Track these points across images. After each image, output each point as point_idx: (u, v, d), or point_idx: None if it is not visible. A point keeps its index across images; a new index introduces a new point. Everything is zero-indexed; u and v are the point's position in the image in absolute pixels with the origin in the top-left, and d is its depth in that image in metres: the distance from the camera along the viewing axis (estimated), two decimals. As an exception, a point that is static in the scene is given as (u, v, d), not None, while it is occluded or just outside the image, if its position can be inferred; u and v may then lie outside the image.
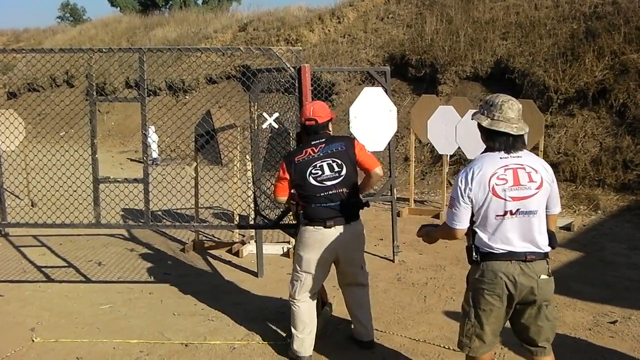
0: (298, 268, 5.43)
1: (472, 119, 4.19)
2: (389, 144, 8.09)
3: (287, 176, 5.33)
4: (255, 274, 7.91)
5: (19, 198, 11.79)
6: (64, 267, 8.54)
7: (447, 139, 10.28)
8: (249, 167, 8.19)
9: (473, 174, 3.99)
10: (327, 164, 5.25)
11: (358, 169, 5.43)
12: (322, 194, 5.23)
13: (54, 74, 24.44)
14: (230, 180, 8.93)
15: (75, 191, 7.02)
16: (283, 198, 5.52)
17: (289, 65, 6.15)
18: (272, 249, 8.61)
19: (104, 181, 6.42)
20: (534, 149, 10.77)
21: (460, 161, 13.01)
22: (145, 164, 6.40)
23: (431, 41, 17.05)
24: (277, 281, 7.66)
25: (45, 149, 7.25)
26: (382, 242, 9.11)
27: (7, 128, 7.74)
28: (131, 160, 17.32)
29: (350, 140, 5.51)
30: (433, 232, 4.55)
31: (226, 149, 8.60)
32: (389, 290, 7.23)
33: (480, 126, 4.12)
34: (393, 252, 8.29)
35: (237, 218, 9.06)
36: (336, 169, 5.26)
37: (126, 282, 7.85)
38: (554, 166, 11.64)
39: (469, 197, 3.99)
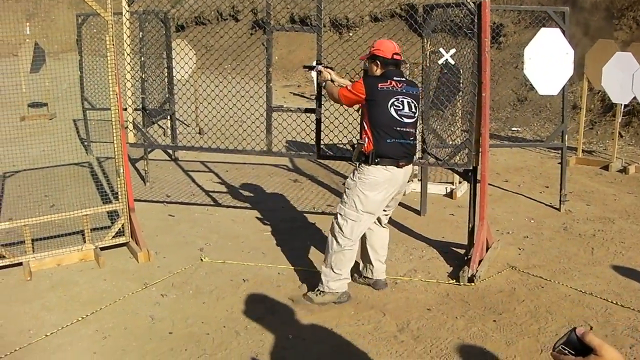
0: (359, 207, 5.35)
1: None
2: (562, 88, 7.77)
3: (363, 95, 5.33)
4: (417, 212, 7.88)
5: (185, 124, 12.20)
6: (231, 192, 8.83)
7: (623, 87, 9.76)
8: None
9: None
10: (407, 102, 5.35)
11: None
12: (397, 129, 5.30)
13: (219, 7, 24.94)
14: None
15: (240, 118, 7.17)
16: (341, 102, 5.59)
17: (468, 0, 5.96)
18: (435, 189, 8.52)
19: (277, 109, 6.49)
20: None
21: (633, 112, 12.33)
22: (318, 94, 6.37)
23: (608, -16, 16.13)
24: (440, 221, 7.61)
25: (209, 79, 7.43)
26: (547, 190, 8.83)
27: (182, 59, 7.96)
28: (294, 94, 17.56)
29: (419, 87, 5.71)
30: None
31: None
32: (554, 239, 7.02)
33: None
34: (560, 200, 8.00)
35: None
36: (413, 110, 5.38)
37: (290, 210, 8.03)
38: None
39: None
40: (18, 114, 12.42)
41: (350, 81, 5.78)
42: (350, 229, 5.41)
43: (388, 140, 5.28)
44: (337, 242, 5.45)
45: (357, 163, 5.45)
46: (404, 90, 5.35)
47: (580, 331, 1.80)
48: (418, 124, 5.63)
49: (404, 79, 5.45)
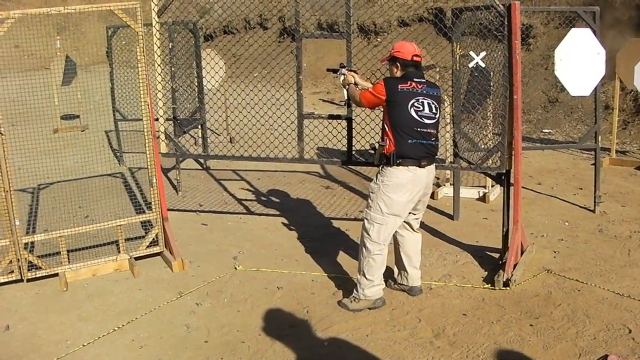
0: (384, 210, 5.38)
1: None
2: (595, 88, 7.70)
3: (383, 97, 5.38)
4: (450, 217, 7.84)
5: (216, 133, 12.22)
6: (263, 200, 8.86)
7: (656, 86, 9.64)
8: (447, 109, 8.06)
9: None
10: (428, 103, 5.37)
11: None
12: (418, 129, 5.32)
13: (247, 16, 25.01)
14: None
15: (272, 126, 7.20)
16: (363, 105, 5.68)
17: (498, 2, 5.92)
18: (468, 193, 8.48)
19: (308, 117, 6.51)
20: None
21: (667, 111, 12.18)
22: (347, 102, 6.39)
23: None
24: (473, 225, 7.57)
25: (240, 88, 7.46)
26: (581, 192, 8.74)
27: (212, 68, 8.01)
28: (323, 101, 17.55)
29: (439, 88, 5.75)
30: None
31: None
32: (590, 242, 6.94)
33: None
34: (594, 202, 7.91)
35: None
36: (433, 110, 5.40)
37: (322, 217, 8.03)
38: None
39: None
40: (51, 126, 12.58)
41: (372, 84, 5.79)
42: (377, 233, 5.42)
43: (409, 141, 5.31)
44: (366, 247, 5.47)
45: (380, 165, 5.47)
46: (424, 92, 5.38)
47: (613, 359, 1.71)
48: (439, 125, 5.63)
49: (424, 80, 5.50)
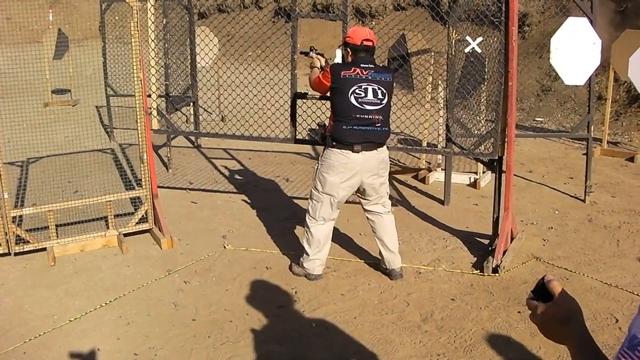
0: (320, 189, 5.56)
1: None
2: (589, 78, 7.68)
3: (328, 84, 5.47)
4: (441, 202, 7.82)
5: (208, 112, 12.15)
6: (253, 179, 8.83)
7: (650, 78, 9.63)
8: (441, 94, 8.04)
9: None
10: (373, 89, 5.38)
11: None
12: (357, 116, 5.35)
13: (242, -5, 24.85)
14: (414, 107, 8.79)
15: (265, 105, 7.17)
16: (315, 89, 5.80)
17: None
18: (459, 178, 8.46)
19: (302, 97, 6.48)
20: None
21: (659, 103, 12.17)
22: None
23: (636, -28, 15.89)
24: (464, 210, 7.56)
25: (233, 66, 7.43)
26: (571, 181, 8.73)
27: (206, 45, 7.95)
28: (315, 82, 17.47)
29: (393, 72, 5.88)
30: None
31: (419, 75, 8.46)
32: (579, 231, 6.95)
33: None
34: (585, 191, 7.91)
35: (425, 145, 8.94)
36: (379, 96, 5.41)
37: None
38: None
39: None
40: (42, 100, 12.50)
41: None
42: (312, 209, 5.66)
43: (344, 127, 5.38)
44: (305, 221, 5.74)
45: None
46: (370, 77, 5.40)
47: (548, 278, 1.79)
48: (390, 110, 5.63)
49: (372, 65, 5.48)
